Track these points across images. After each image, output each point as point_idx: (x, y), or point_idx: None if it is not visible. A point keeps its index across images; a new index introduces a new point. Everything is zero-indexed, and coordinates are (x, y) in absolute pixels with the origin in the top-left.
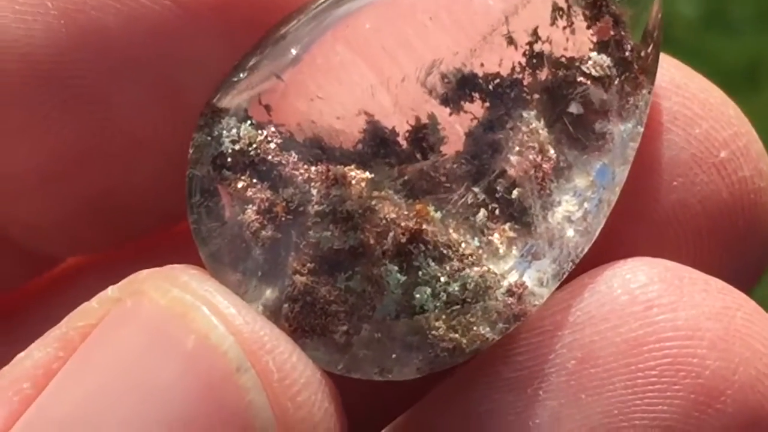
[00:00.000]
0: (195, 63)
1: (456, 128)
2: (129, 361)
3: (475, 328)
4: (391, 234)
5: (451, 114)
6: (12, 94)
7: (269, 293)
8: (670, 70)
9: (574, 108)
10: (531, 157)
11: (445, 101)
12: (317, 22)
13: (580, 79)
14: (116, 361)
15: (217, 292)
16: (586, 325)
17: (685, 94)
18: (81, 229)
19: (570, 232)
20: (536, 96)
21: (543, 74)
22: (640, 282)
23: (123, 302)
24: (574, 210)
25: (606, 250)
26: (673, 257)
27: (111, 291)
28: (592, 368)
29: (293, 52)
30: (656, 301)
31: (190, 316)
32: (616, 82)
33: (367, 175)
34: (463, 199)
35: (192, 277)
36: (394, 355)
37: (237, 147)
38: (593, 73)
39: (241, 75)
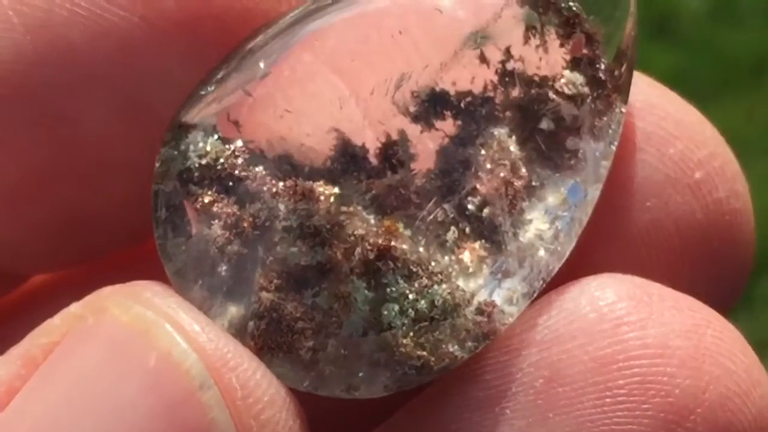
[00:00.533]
0: (163, 79)
1: (427, 145)
2: (90, 379)
3: (443, 345)
4: (359, 250)
5: (422, 131)
6: None
7: (235, 310)
8: (645, 89)
9: (545, 124)
10: (502, 174)
11: (416, 118)
12: (285, 36)
13: (553, 96)
14: (78, 379)
15: (180, 308)
16: (553, 343)
17: (660, 113)
18: (48, 246)
19: (541, 251)
20: (508, 114)
21: (515, 92)
22: (608, 299)
23: (85, 319)
24: (545, 228)
25: (578, 270)
26: (646, 278)
27: (74, 308)
28: (560, 387)
29: (261, 65)
30: (625, 318)
31: (152, 333)
32: (588, 101)
33: (336, 190)
34: (432, 216)
35: (155, 293)
36: (361, 373)
37: (204, 161)
38: (566, 91)
39: (209, 88)
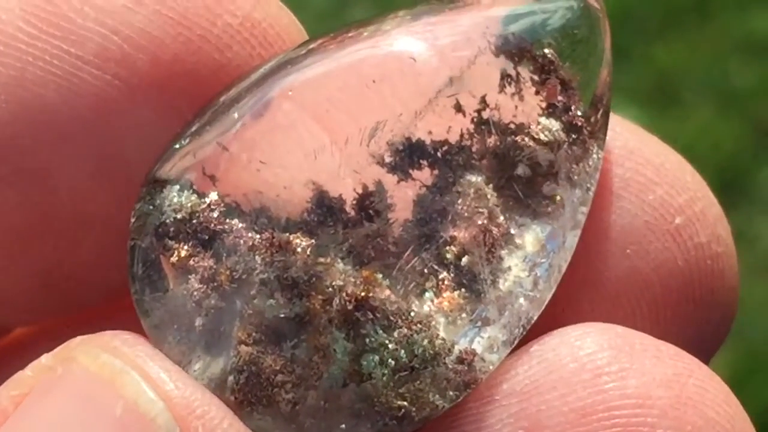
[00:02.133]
0: (138, 135)
1: (404, 194)
2: (58, 430)
3: (424, 395)
4: (337, 301)
5: (399, 181)
6: None
7: (214, 365)
8: (624, 134)
9: (521, 170)
10: (480, 222)
11: (392, 168)
12: (259, 88)
13: (529, 143)
14: (45, 430)
15: (148, 356)
16: (533, 393)
17: (639, 159)
18: (28, 301)
19: (520, 299)
20: (484, 161)
21: (491, 140)
22: (588, 349)
23: (54, 369)
24: (524, 276)
25: (558, 317)
26: (627, 327)
27: (45, 359)
28: None
29: (235, 117)
30: (605, 368)
31: (119, 382)
32: (564, 146)
33: (312, 241)
34: (410, 265)
35: (124, 341)
36: (342, 425)
37: (179, 216)
38: (541, 137)
39: (183, 142)
